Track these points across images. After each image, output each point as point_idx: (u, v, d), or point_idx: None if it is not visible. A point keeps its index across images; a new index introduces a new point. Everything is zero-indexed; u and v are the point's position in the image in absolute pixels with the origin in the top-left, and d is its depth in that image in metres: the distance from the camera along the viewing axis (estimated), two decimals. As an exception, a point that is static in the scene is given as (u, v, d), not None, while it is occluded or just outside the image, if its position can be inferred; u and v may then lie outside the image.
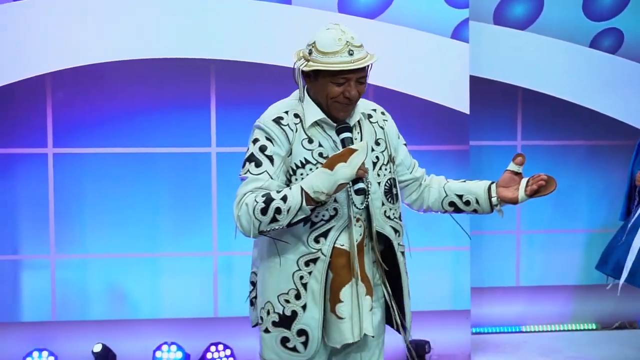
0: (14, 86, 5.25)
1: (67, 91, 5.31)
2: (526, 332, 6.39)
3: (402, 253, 3.06)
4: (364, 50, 2.88)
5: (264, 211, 2.77)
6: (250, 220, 2.80)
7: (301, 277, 2.91)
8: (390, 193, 2.99)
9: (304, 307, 2.92)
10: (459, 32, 5.52)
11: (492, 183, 3.07)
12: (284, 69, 5.34)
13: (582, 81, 6.30)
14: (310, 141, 2.90)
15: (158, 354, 5.34)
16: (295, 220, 2.78)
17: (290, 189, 2.78)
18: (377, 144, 2.99)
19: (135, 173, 5.41)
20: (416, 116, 5.47)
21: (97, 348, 5.26)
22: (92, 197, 5.40)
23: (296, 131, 2.91)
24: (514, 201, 3.00)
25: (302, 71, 2.93)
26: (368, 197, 2.90)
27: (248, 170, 2.90)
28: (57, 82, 5.29)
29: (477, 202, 3.07)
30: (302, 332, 2.94)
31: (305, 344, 2.95)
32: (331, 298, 2.94)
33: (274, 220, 2.77)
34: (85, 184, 5.39)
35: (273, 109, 2.99)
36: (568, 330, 6.43)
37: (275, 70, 5.37)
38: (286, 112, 2.95)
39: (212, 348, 5.40)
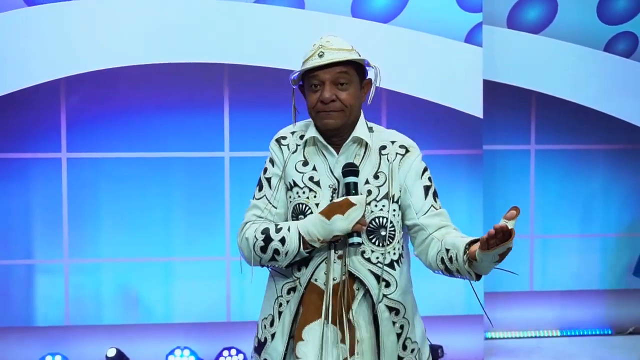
0: (28, 91, 5.26)
1: (80, 96, 5.33)
2: (540, 337, 6.36)
3: (390, 308, 2.73)
4: (344, 53, 2.71)
5: (263, 250, 2.72)
6: (251, 255, 2.76)
7: (280, 304, 2.80)
8: (376, 234, 2.72)
9: (272, 336, 2.80)
10: (473, 36, 5.51)
11: (475, 242, 2.59)
12: (297, 74, 5.35)
13: (596, 85, 6.27)
14: (305, 164, 2.78)
15: (171, 358, 5.34)
16: (293, 261, 2.71)
17: (289, 230, 2.69)
18: (376, 177, 2.75)
19: (148, 177, 5.42)
20: (429, 120, 5.47)
21: (111, 353, 5.26)
22: (106, 201, 5.41)
23: (295, 152, 2.81)
24: (473, 257, 2.54)
25: (301, 89, 2.84)
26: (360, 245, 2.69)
27: (253, 195, 2.87)
28: (71, 87, 5.31)
29: (457, 258, 2.62)
30: None
31: None
32: (296, 335, 2.75)
33: (273, 259, 2.72)
34: (98, 188, 5.40)
35: (282, 130, 2.90)
36: (582, 335, 6.40)
37: (288, 74, 5.36)
38: (292, 133, 2.87)
39: (225, 353, 5.40)
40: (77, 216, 5.39)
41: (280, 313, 2.79)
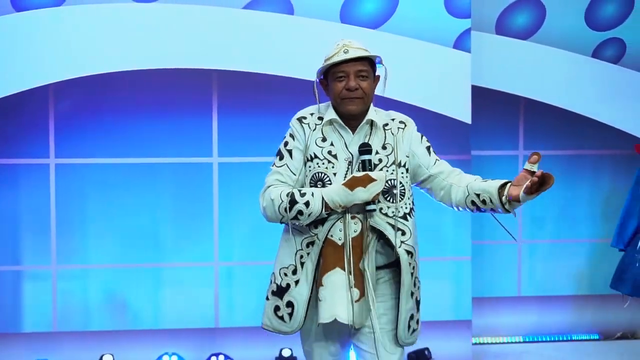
0: (17, 97, 5.25)
1: (69, 102, 5.32)
2: (527, 342, 6.37)
3: (408, 252, 3.25)
4: (363, 51, 3.25)
5: (287, 210, 3.20)
6: (275, 214, 3.24)
7: (301, 257, 3.27)
8: (390, 193, 3.24)
9: (296, 282, 3.27)
10: (461, 42, 5.52)
11: (507, 182, 3.18)
12: (287, 79, 5.37)
13: (584, 91, 6.30)
14: (324, 140, 3.28)
15: (159, 364, 5.35)
16: (312, 219, 3.19)
17: (313, 195, 3.18)
18: (384, 147, 3.28)
19: (136, 183, 5.41)
20: (418, 126, 5.43)
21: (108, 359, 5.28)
22: (94, 207, 5.40)
23: (314, 130, 3.31)
24: (516, 199, 3.11)
25: (321, 83, 3.34)
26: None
27: (274, 163, 3.35)
28: (60, 92, 5.30)
29: (491, 200, 3.18)
30: (289, 304, 3.29)
31: (290, 315, 3.29)
32: (317, 282, 3.24)
33: (295, 219, 3.20)
34: (87, 194, 5.39)
35: (302, 110, 3.38)
36: (570, 341, 6.42)
37: (278, 80, 5.38)
38: (311, 114, 3.35)
39: (213, 358, 5.40)
40: (65, 222, 5.38)
41: (302, 263, 3.26)
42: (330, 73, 3.27)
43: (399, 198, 3.25)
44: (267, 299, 3.38)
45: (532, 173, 3.09)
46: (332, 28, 5.36)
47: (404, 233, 3.25)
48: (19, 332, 5.37)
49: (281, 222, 3.29)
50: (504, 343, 6.33)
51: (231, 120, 5.43)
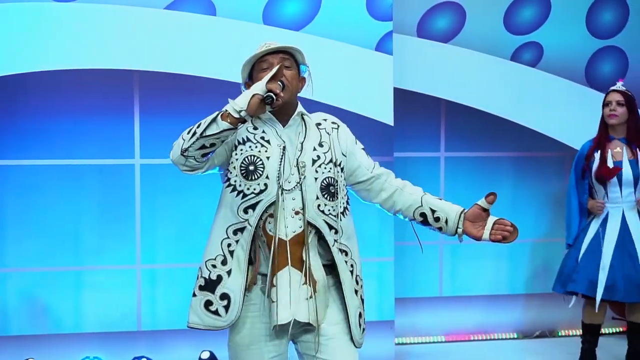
0: None
1: (-14, 102, 5.23)
2: (449, 342, 6.45)
3: (341, 251, 3.20)
4: (291, 45, 3.25)
5: (188, 131, 3.04)
6: (177, 144, 3.07)
7: (229, 245, 3.15)
8: (327, 190, 3.18)
9: (228, 273, 3.15)
10: (383, 45, 5.57)
11: (464, 211, 3.28)
12: (209, 80, 5.34)
13: (503, 94, 6.40)
14: (255, 128, 3.20)
15: (80, 368, 5.28)
16: (209, 132, 3.00)
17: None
18: (321, 145, 3.23)
19: (57, 185, 5.34)
20: (341, 128, 5.49)
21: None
22: (13, 209, 5.31)
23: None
24: (477, 239, 3.25)
25: (247, 86, 3.25)
26: (275, 102, 3.03)
27: None
28: (-23, 92, 5.20)
29: (446, 222, 3.27)
30: (224, 296, 3.15)
31: (226, 307, 3.16)
32: (268, 282, 3.12)
33: (193, 134, 3.02)
34: (5, 196, 5.30)
35: None
36: (490, 340, 6.51)
37: (200, 81, 5.36)
38: None
39: (136, 362, 5.36)
40: (-17, 225, 5.28)
41: (231, 252, 3.15)
42: (255, 70, 3.22)
43: (335, 197, 3.19)
44: (194, 295, 3.22)
45: (485, 210, 3.25)
46: (255, 29, 5.36)
47: (336, 232, 3.20)
48: None
49: (182, 152, 3.05)
50: (426, 343, 6.40)
51: (153, 121, 5.39)
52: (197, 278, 3.23)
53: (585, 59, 6.49)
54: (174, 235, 5.47)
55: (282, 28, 5.41)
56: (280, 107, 3.15)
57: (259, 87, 3.00)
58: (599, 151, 5.38)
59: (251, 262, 3.18)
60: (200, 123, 3.03)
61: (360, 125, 5.53)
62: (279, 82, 3.06)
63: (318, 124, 3.31)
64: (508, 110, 6.43)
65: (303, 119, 3.28)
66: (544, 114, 6.45)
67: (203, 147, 3.04)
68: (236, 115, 3.00)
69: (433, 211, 3.28)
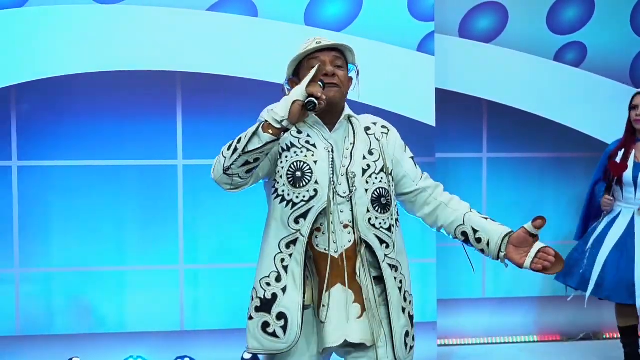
0: (-22, 99, 5.21)
1: (31, 103, 5.28)
2: (492, 343, 6.41)
3: (391, 266, 3.03)
4: (343, 42, 3.09)
5: (228, 147, 2.86)
6: (218, 162, 2.89)
7: (282, 260, 2.96)
8: (379, 202, 3.00)
9: (284, 290, 2.95)
10: (425, 45, 5.55)
11: (510, 234, 3.03)
12: (251, 81, 5.36)
13: (546, 94, 6.35)
14: (299, 132, 3.02)
15: (124, 367, 5.32)
16: (251, 147, 2.81)
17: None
18: (370, 153, 3.06)
19: (101, 186, 5.38)
20: (382, 129, 5.48)
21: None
22: (57, 210, 5.36)
23: None
24: (519, 267, 3.02)
25: (292, 82, 3.08)
26: (318, 107, 2.85)
27: None
28: (22, 94, 5.26)
29: (488, 244, 3.06)
30: (281, 316, 2.95)
31: (284, 328, 2.94)
32: (317, 302, 2.98)
33: (234, 150, 2.83)
34: (50, 197, 5.35)
35: (274, 104, 3.03)
36: (533, 342, 6.47)
37: (242, 82, 5.37)
38: None
39: (178, 361, 5.39)
40: (28, 225, 5.33)
41: (285, 267, 2.96)
42: (303, 67, 3.03)
43: (387, 209, 3.02)
44: (251, 318, 3.02)
45: (533, 235, 2.99)
46: (296, 30, 5.36)
47: (387, 246, 3.02)
48: (-19, 336, 5.33)
49: (224, 171, 2.86)
50: (469, 344, 6.36)
51: (196, 122, 5.42)
52: (252, 299, 3.03)
53: (629, 59, 6.42)
54: (216, 235, 5.50)
55: (324, 29, 5.41)
56: (327, 110, 2.98)
57: (299, 93, 2.82)
58: (623, 150, 5.37)
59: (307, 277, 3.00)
60: (241, 137, 2.84)
61: (402, 126, 5.51)
62: (319, 83, 2.90)
63: (367, 128, 3.12)
64: (551, 110, 6.38)
65: (351, 122, 3.10)
66: (587, 114, 6.39)
67: (247, 163, 2.85)
68: (277, 126, 2.81)
69: (475, 231, 3.08)
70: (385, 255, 3.01)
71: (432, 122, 5.58)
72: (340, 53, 3.09)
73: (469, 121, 6.35)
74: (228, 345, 5.37)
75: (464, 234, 3.10)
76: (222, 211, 5.45)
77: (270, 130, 2.81)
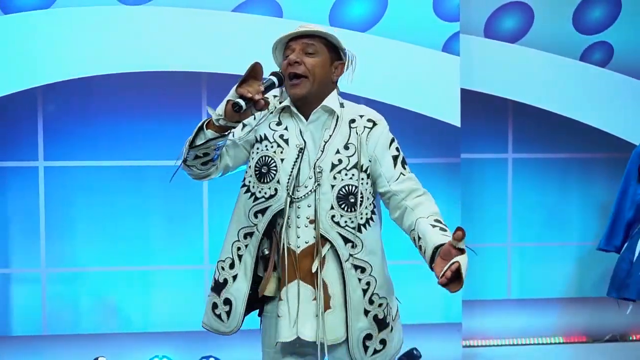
0: (5, 99, 5.24)
1: (58, 104, 5.32)
2: (517, 344, 6.38)
3: (355, 267, 2.93)
4: (318, 28, 2.99)
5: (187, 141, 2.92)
6: (181, 152, 2.97)
7: (238, 248, 3.00)
8: (346, 200, 2.89)
9: (234, 277, 2.99)
10: (450, 45, 5.54)
11: (443, 244, 2.74)
12: (276, 82, 5.35)
13: (572, 94, 6.31)
14: (279, 124, 2.97)
15: (149, 367, 5.34)
16: (198, 142, 2.86)
17: None
18: (346, 147, 2.93)
19: (126, 186, 5.41)
20: (407, 129, 5.48)
21: (101, 363, 5.29)
22: (83, 210, 5.39)
23: (272, 113, 3.00)
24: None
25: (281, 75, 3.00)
26: (243, 110, 2.76)
27: None
28: (48, 95, 5.29)
29: (424, 253, 2.81)
30: (227, 301, 3.01)
31: (228, 313, 3.02)
32: (277, 296, 2.97)
33: (187, 143, 2.90)
34: (76, 197, 5.38)
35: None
36: (559, 343, 6.43)
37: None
38: (274, 97, 3.06)
39: (203, 361, 5.40)
40: (55, 225, 5.36)
41: (240, 256, 2.98)
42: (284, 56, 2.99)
43: (354, 208, 2.91)
44: (208, 295, 3.11)
45: (457, 248, 2.64)
46: (322, 31, 5.36)
47: (354, 246, 2.91)
48: (9, 335, 5.36)
49: (185, 164, 2.96)
50: (494, 346, 6.34)
51: (221, 123, 5.42)
52: (213, 277, 3.09)
53: (657, 59, 6.39)
54: (241, 235, 5.50)
55: (348, 29, 5.41)
56: (302, 100, 2.93)
57: (232, 92, 2.80)
58: None
59: (266, 269, 2.98)
60: (193, 132, 2.88)
61: (426, 127, 5.56)
62: (272, 78, 2.87)
63: (352, 121, 2.98)
64: (577, 111, 6.34)
65: (335, 112, 2.97)
66: (614, 114, 6.35)
67: (197, 157, 2.90)
68: (216, 124, 2.82)
69: (419, 238, 2.84)
70: (351, 255, 2.92)
71: (457, 122, 5.57)
72: (319, 40, 2.96)
73: (494, 122, 6.33)
74: (252, 345, 5.36)
75: (414, 239, 2.89)
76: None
77: (213, 128, 2.84)
